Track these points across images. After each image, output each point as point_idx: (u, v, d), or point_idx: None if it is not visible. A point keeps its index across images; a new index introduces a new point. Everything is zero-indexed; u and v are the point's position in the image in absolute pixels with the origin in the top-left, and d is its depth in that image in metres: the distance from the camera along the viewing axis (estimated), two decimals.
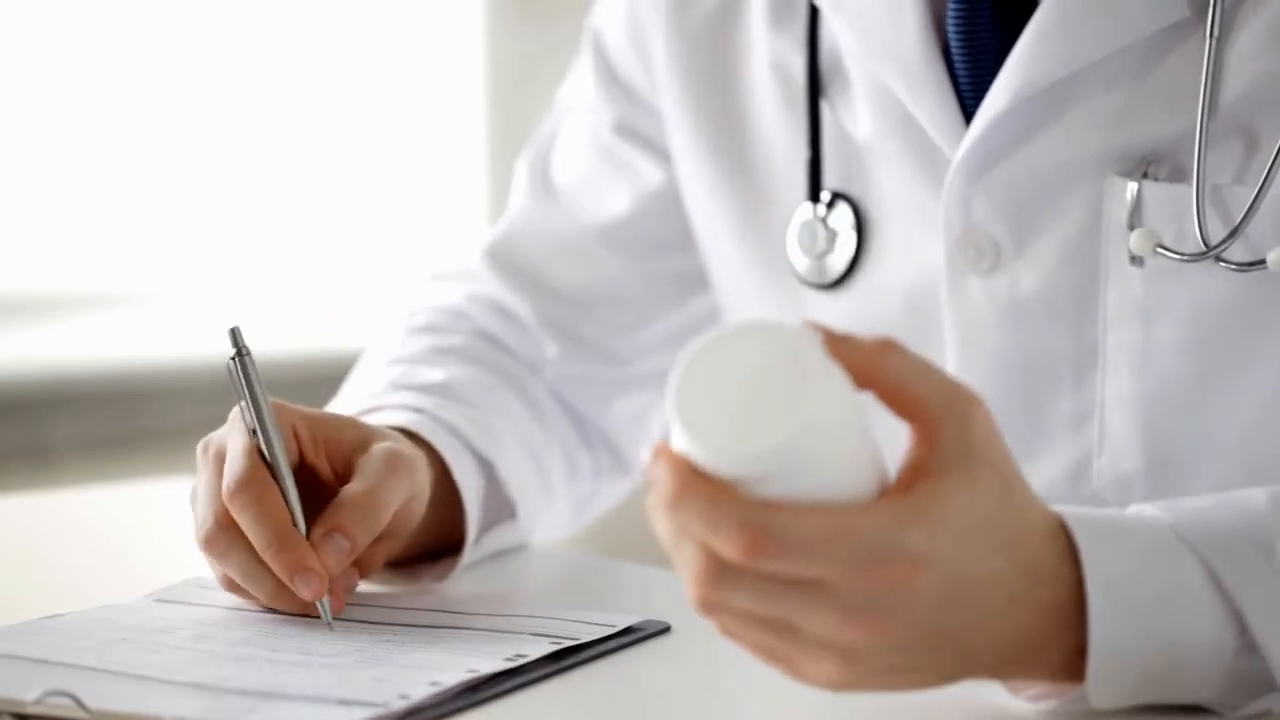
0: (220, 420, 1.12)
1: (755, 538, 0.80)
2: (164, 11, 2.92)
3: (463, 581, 1.20)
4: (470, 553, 1.22)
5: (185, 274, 2.97)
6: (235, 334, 1.09)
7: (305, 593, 1.05)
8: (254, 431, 1.08)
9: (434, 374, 1.29)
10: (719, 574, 0.82)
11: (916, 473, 0.83)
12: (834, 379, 0.81)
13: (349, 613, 1.08)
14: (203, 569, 1.11)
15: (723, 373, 0.80)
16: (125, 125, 2.90)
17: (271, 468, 1.07)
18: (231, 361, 1.08)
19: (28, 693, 0.89)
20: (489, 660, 0.97)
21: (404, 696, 0.91)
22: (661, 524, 0.82)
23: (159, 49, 2.92)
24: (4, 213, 2.85)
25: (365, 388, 1.29)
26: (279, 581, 1.06)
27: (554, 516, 1.36)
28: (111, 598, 1.10)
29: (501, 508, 1.26)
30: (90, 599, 1.09)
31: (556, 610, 1.07)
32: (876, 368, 0.83)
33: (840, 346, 0.82)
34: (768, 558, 0.80)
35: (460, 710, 0.92)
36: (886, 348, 0.83)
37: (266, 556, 1.05)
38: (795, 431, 0.79)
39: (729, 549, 0.80)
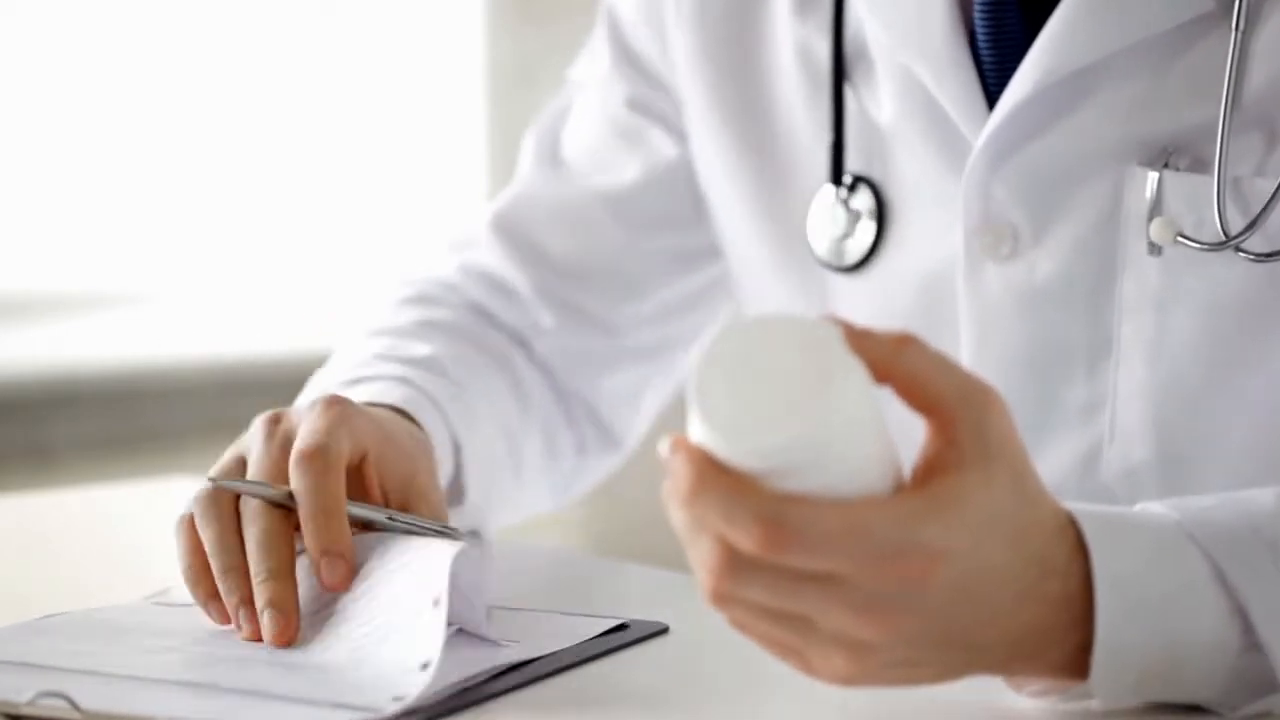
0: (221, 419, 1.11)
1: (772, 531, 0.80)
2: (164, 11, 2.92)
3: None
4: None
5: (185, 274, 2.97)
6: None
7: (329, 577, 1.02)
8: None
9: (421, 348, 1.28)
10: (734, 566, 0.81)
11: (933, 468, 0.83)
12: (853, 373, 0.80)
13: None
14: None
15: (742, 364, 0.80)
16: (125, 125, 2.90)
17: None
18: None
19: (21, 694, 0.89)
20: (486, 659, 0.97)
21: (398, 699, 0.91)
22: (677, 515, 0.82)
23: (159, 49, 2.92)
24: (4, 213, 2.85)
25: (351, 357, 1.28)
26: (239, 563, 1.02)
27: (529, 499, 1.35)
28: (111, 598, 1.10)
29: (457, 491, 1.25)
30: (90, 599, 1.09)
31: (555, 610, 1.06)
32: (895, 362, 0.82)
33: (859, 340, 0.82)
34: (785, 551, 0.80)
35: (456, 710, 0.92)
36: (905, 342, 0.83)
37: (309, 526, 1.02)
38: (813, 425, 0.79)
39: (746, 541, 0.80)
